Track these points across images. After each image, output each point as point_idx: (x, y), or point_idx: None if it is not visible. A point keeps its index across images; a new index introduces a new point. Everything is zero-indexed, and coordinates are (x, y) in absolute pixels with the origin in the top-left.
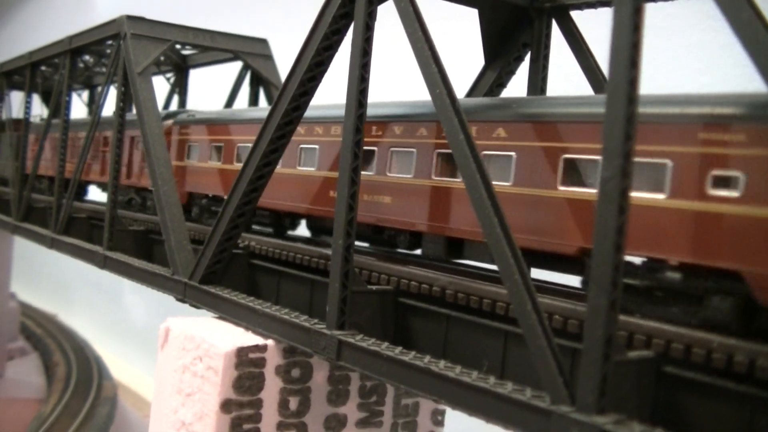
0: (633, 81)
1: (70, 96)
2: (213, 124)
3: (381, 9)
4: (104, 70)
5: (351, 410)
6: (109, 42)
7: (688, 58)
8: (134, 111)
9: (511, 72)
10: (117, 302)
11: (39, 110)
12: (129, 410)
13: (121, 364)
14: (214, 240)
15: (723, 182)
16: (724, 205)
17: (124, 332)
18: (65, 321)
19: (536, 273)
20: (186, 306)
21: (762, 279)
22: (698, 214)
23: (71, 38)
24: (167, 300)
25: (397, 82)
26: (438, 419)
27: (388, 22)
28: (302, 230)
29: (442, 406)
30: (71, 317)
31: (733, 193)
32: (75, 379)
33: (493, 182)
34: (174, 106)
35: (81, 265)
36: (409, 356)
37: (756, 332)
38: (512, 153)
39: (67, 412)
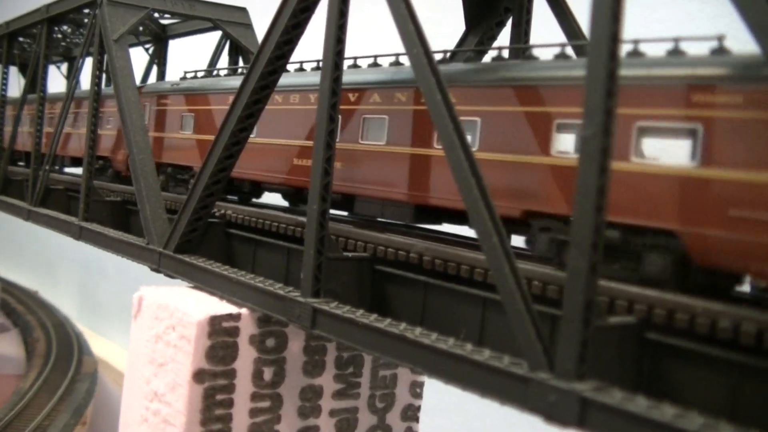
0: (615, 36)
1: (47, 67)
2: None
3: None
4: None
5: (327, 381)
6: (86, 11)
7: (679, 30)
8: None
9: (493, 37)
10: (99, 279)
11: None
12: (109, 386)
13: (102, 341)
14: (189, 208)
15: None
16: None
17: (105, 308)
18: (46, 297)
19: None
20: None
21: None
22: None
23: (48, 6)
24: (151, 275)
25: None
26: (417, 391)
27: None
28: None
29: (420, 378)
30: (52, 294)
31: None
32: (55, 354)
33: None
34: (153, 77)
35: (62, 241)
36: (384, 323)
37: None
38: None
39: (46, 388)
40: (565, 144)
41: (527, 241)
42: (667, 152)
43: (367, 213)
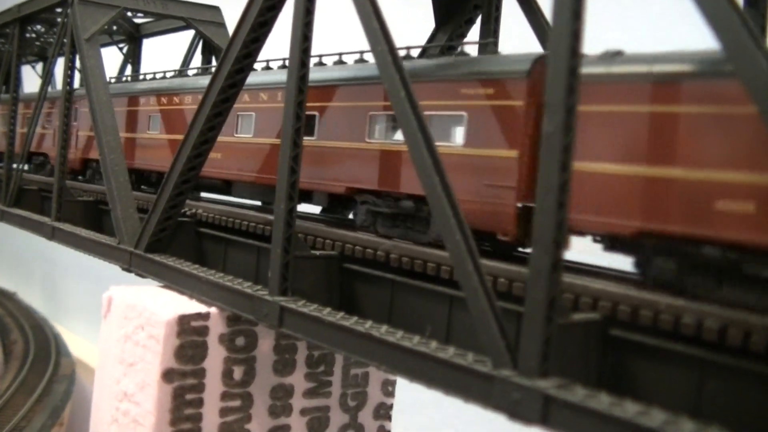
0: (576, 33)
1: (19, 67)
2: None
3: None
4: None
5: (298, 380)
6: (58, 10)
7: (648, 28)
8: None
9: (462, 35)
10: (77, 279)
11: None
12: (87, 387)
13: (80, 341)
14: (159, 207)
15: None
16: None
17: (83, 309)
18: (25, 299)
19: None
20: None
21: None
22: None
23: (19, 6)
24: (131, 276)
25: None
26: (389, 390)
27: None
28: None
29: (392, 377)
30: (31, 295)
31: None
32: (32, 356)
33: None
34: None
35: (41, 243)
36: (351, 321)
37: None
38: None
39: (23, 389)
40: (378, 133)
41: (354, 214)
42: (446, 135)
43: (241, 196)
